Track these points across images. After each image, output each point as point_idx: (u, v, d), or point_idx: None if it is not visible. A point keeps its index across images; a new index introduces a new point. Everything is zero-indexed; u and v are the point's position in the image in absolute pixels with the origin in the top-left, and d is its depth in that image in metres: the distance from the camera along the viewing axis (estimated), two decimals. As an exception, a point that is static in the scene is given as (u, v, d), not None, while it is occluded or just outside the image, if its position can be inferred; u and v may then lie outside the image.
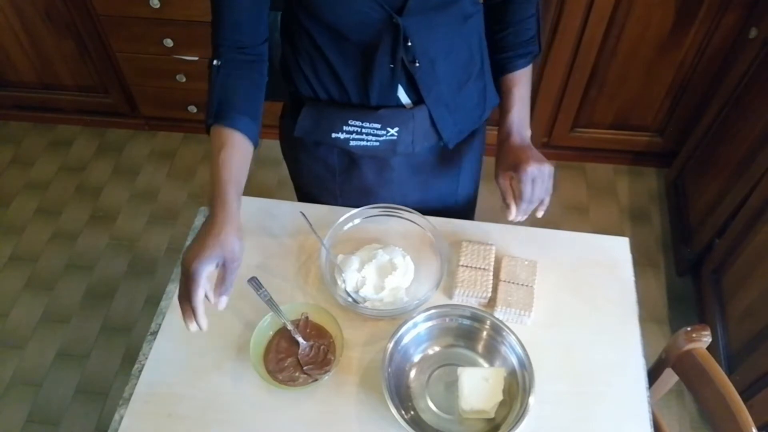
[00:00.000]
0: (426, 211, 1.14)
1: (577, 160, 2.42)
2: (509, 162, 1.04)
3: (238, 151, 0.94)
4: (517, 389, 0.95)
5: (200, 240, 0.87)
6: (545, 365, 0.98)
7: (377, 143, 1.07)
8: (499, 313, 1.04)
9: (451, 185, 1.23)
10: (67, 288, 2.13)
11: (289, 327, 1.01)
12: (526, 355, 0.95)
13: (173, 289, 1.08)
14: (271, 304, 1.01)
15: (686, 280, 2.07)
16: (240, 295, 1.06)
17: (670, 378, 1.09)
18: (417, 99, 1.04)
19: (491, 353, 1.00)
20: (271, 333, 1.02)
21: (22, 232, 2.28)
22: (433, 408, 0.96)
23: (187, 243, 1.14)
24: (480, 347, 1.02)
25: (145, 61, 2.23)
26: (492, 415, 0.94)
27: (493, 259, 1.09)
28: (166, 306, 1.06)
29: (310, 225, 1.11)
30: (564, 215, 2.29)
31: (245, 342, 1.00)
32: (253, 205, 1.20)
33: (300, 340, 1.00)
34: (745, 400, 0.96)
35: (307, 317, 1.03)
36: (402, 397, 0.95)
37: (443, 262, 1.07)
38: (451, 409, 0.96)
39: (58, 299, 2.10)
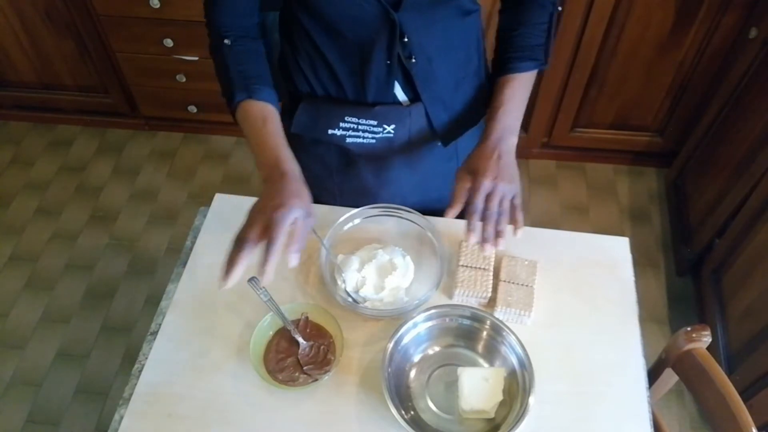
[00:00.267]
0: (426, 211, 1.14)
1: (577, 160, 2.42)
2: (471, 165, 0.96)
3: (278, 122, 0.97)
4: (517, 389, 0.95)
5: (278, 193, 0.86)
6: (545, 365, 0.98)
7: (373, 140, 1.07)
8: (499, 313, 1.04)
9: (449, 185, 1.23)
10: (67, 288, 2.13)
11: (289, 327, 1.01)
12: (526, 355, 0.95)
13: (173, 289, 1.08)
14: (271, 304, 1.01)
15: (686, 280, 2.07)
16: (240, 295, 1.06)
17: (670, 378, 1.09)
18: (414, 96, 1.04)
19: (491, 353, 1.00)
20: (271, 333, 1.02)
21: (22, 232, 2.28)
22: (433, 408, 0.96)
23: (187, 243, 1.14)
24: (480, 347, 1.02)
25: (145, 61, 2.23)
26: (492, 415, 0.94)
27: (493, 259, 1.09)
28: (166, 306, 1.06)
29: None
30: (564, 215, 2.29)
31: (245, 342, 1.00)
32: (253, 205, 1.20)
33: (300, 340, 1.00)
34: (745, 400, 0.96)
35: (307, 317, 1.03)
36: (402, 397, 0.95)
37: (443, 262, 1.07)
38: (451, 409, 0.96)
39: (58, 299, 2.10)
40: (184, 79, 2.26)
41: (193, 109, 2.38)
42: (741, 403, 0.95)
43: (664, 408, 1.82)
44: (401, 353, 0.99)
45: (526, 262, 1.09)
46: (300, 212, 0.86)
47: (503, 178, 0.93)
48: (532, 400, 0.91)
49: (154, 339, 1.03)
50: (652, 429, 0.95)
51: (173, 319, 1.05)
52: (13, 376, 1.93)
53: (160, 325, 1.04)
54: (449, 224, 1.16)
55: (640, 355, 1.01)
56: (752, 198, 1.66)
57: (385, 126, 1.05)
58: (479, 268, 1.08)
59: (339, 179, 1.19)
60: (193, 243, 1.14)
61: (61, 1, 2.11)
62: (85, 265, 2.19)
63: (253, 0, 0.99)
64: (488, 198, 0.92)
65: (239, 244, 0.85)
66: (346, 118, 1.05)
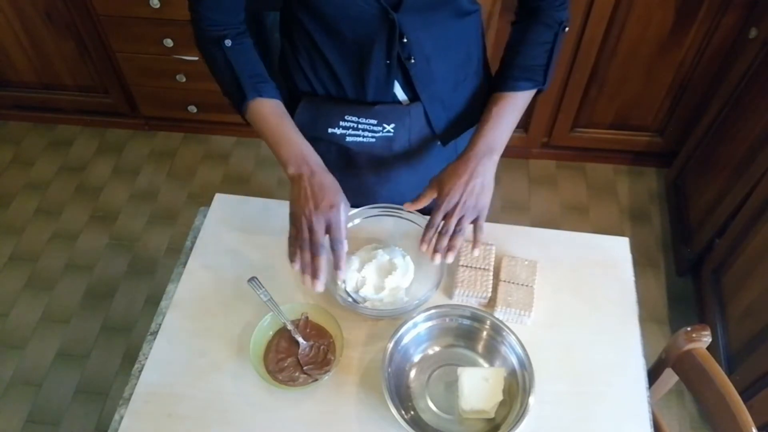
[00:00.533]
0: (425, 210, 1.14)
1: (577, 160, 2.42)
2: (443, 180, 0.97)
3: (290, 119, 1.01)
4: (517, 389, 0.95)
5: (322, 190, 0.93)
6: (545, 365, 0.98)
7: (373, 139, 1.07)
8: (499, 313, 1.04)
9: None
10: (67, 288, 2.13)
11: (289, 327, 1.01)
12: (526, 355, 0.95)
13: (173, 289, 1.08)
14: (272, 304, 1.01)
15: (686, 280, 2.07)
16: (240, 295, 1.06)
17: (670, 378, 1.09)
18: (413, 96, 1.05)
19: (491, 353, 1.00)
20: (271, 333, 1.02)
21: (22, 232, 2.28)
22: (433, 408, 0.96)
23: (187, 243, 1.14)
24: (480, 347, 1.02)
25: (145, 61, 2.23)
26: (492, 415, 0.94)
27: (493, 259, 1.09)
28: (166, 306, 1.07)
29: (310, 225, 1.10)
30: (564, 215, 2.29)
31: (245, 342, 1.00)
32: (253, 205, 1.20)
33: (300, 340, 1.00)
34: (745, 400, 0.96)
35: (307, 317, 1.03)
36: (402, 397, 0.95)
37: (443, 262, 1.07)
38: (451, 409, 0.96)
39: (58, 299, 2.10)
40: (184, 79, 2.25)
41: (193, 109, 2.38)
42: (741, 403, 0.95)
43: (664, 408, 1.82)
44: (401, 353, 0.99)
45: (526, 262, 1.09)
46: (347, 207, 0.94)
47: (468, 201, 0.96)
48: (532, 400, 0.91)
49: (154, 339, 1.03)
50: (652, 429, 0.95)
51: (173, 319, 1.05)
52: (13, 376, 1.93)
53: (160, 325, 1.04)
54: (449, 224, 1.16)
55: (640, 355, 1.01)
56: (752, 198, 1.66)
57: (385, 125, 1.05)
58: (479, 268, 1.08)
59: (339, 177, 1.18)
60: (193, 243, 1.15)
61: (61, 1, 2.11)
62: (85, 265, 2.19)
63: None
64: (447, 216, 0.97)
65: (315, 248, 0.92)
66: (346, 117, 1.05)
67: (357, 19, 0.94)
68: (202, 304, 1.07)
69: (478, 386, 0.94)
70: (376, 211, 1.14)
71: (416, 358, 1.01)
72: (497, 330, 0.99)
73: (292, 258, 0.94)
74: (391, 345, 0.96)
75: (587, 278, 1.10)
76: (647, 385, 0.99)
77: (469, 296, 1.06)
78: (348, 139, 1.07)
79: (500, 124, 1.01)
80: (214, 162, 2.48)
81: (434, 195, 0.99)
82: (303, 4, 0.97)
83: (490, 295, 1.05)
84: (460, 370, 0.96)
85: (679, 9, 1.87)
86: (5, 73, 2.42)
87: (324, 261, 0.92)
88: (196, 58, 2.18)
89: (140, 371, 0.99)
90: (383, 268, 1.07)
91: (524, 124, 2.28)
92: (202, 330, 1.04)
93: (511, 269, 1.08)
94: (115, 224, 2.30)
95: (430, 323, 1.01)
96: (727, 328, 1.74)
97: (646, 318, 1.95)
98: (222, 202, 1.21)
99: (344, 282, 1.06)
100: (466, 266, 1.08)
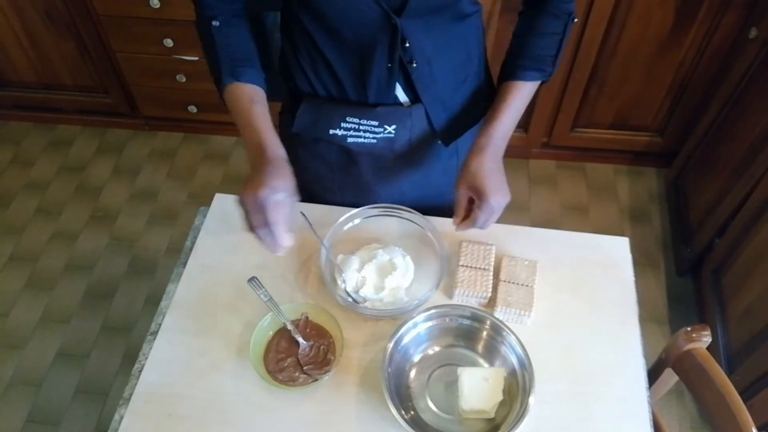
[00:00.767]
0: (426, 206, 1.14)
1: (577, 160, 2.42)
2: (476, 181, 0.98)
3: (265, 105, 1.00)
4: (517, 389, 0.95)
5: (260, 174, 0.89)
6: (545, 365, 0.98)
7: (374, 140, 1.07)
8: (499, 313, 1.04)
9: (450, 182, 1.23)
10: (67, 288, 2.13)
11: (289, 327, 1.01)
12: (526, 355, 0.95)
13: (173, 289, 1.08)
14: (272, 304, 1.01)
15: (686, 280, 2.07)
16: (240, 295, 1.06)
17: (670, 378, 1.09)
18: (415, 97, 1.04)
19: (491, 353, 1.00)
20: (271, 333, 1.02)
21: (22, 232, 2.28)
22: (433, 408, 0.96)
23: (187, 243, 1.15)
24: (480, 347, 1.02)
25: (145, 61, 2.23)
26: (492, 415, 0.94)
27: (493, 259, 1.09)
28: (166, 306, 1.06)
29: (310, 225, 1.10)
30: (564, 215, 2.29)
31: (245, 342, 1.00)
32: (253, 205, 1.20)
33: (300, 340, 1.00)
34: (745, 400, 0.96)
35: (307, 317, 1.03)
36: (402, 397, 0.95)
37: (443, 262, 1.07)
38: (451, 409, 0.96)
39: (58, 299, 2.10)
40: (184, 79, 2.26)
41: (193, 109, 2.39)
42: (741, 403, 0.95)
43: (664, 408, 1.82)
44: (401, 353, 0.98)
45: (526, 262, 1.09)
46: (282, 193, 0.88)
47: (505, 193, 0.98)
48: (532, 400, 0.91)
49: (154, 339, 1.03)
50: (652, 429, 0.95)
51: (173, 319, 1.05)
52: (13, 376, 1.93)
53: (160, 325, 1.04)
54: (449, 224, 1.16)
55: (640, 355, 1.01)
56: (752, 198, 1.66)
57: (386, 126, 1.05)
58: (479, 268, 1.08)
59: (340, 176, 1.19)
60: (193, 243, 1.14)
61: (61, 1, 2.11)
62: (85, 265, 2.19)
63: None
64: (490, 213, 0.98)
65: (255, 233, 0.89)
66: (347, 119, 1.05)
67: (359, 23, 0.94)
68: (202, 304, 1.07)
69: (478, 386, 0.94)
70: (376, 211, 1.14)
71: (416, 358, 1.01)
72: (497, 330, 0.99)
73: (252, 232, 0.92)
74: (391, 345, 0.96)
75: (587, 278, 1.10)
76: (647, 385, 0.99)
77: (469, 296, 1.06)
78: (349, 140, 1.07)
79: (512, 114, 1.03)
80: (214, 162, 2.48)
81: (470, 197, 0.99)
82: (303, 5, 0.97)
83: (490, 295, 1.05)
84: (460, 370, 0.96)
85: (679, 9, 1.87)
86: (5, 73, 2.42)
87: (270, 242, 0.89)
88: (196, 58, 2.18)
89: (140, 371, 0.99)
90: (383, 268, 1.07)
91: (524, 124, 2.28)
92: (202, 330, 1.04)
93: (511, 269, 1.08)
94: (115, 224, 2.30)
95: (430, 323, 1.01)
96: (727, 328, 1.74)
97: (646, 318, 1.95)
98: (222, 202, 1.21)
99: (344, 282, 1.06)
100: (466, 266, 1.08)
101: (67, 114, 2.58)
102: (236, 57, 1.00)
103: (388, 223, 1.14)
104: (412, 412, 0.95)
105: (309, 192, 1.26)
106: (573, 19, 1.03)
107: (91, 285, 2.13)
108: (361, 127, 1.06)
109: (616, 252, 1.14)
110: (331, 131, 1.07)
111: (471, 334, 1.02)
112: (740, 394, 0.96)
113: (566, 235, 1.16)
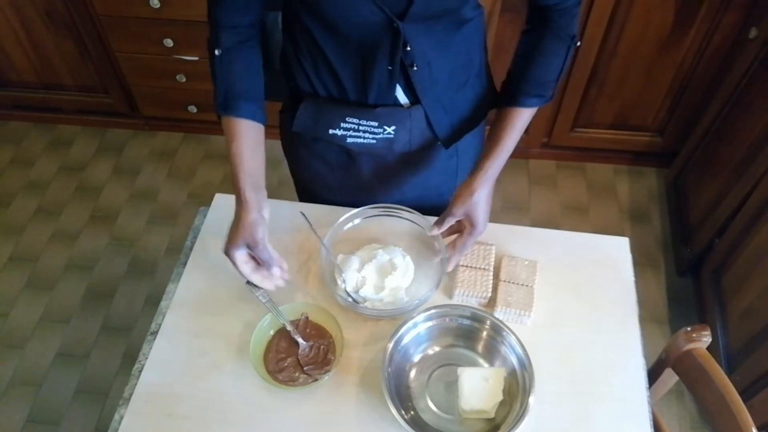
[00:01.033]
0: (425, 206, 1.14)
1: (577, 160, 2.42)
2: (475, 212, 1.03)
3: (247, 139, 1.00)
4: (517, 389, 0.95)
5: (230, 231, 0.99)
6: (545, 365, 0.98)
7: (374, 141, 1.07)
8: (499, 313, 1.04)
9: (449, 182, 1.23)
10: (67, 288, 2.13)
11: (289, 327, 1.01)
12: (526, 355, 0.95)
13: (173, 289, 1.09)
14: (270, 305, 1.01)
15: (686, 280, 2.07)
16: (240, 295, 1.06)
17: (670, 378, 1.09)
18: (415, 99, 1.04)
19: (491, 353, 1.00)
20: (271, 333, 1.02)
21: (22, 232, 2.28)
22: (433, 408, 0.96)
23: (187, 243, 1.15)
24: (480, 347, 1.02)
25: (145, 61, 2.23)
26: (492, 415, 0.94)
27: (493, 259, 1.09)
28: (166, 306, 1.07)
29: (310, 225, 1.11)
30: (564, 215, 2.29)
31: (245, 342, 1.00)
32: (253, 205, 1.20)
33: (300, 340, 1.00)
34: (745, 400, 0.96)
35: (306, 317, 1.03)
36: (402, 397, 0.95)
37: (443, 262, 1.07)
38: (451, 409, 0.96)
39: (58, 299, 2.10)
40: (184, 79, 2.25)
41: (193, 109, 2.38)
42: (741, 403, 0.95)
43: (664, 408, 1.82)
44: (401, 353, 0.99)
45: (526, 262, 1.09)
46: (244, 245, 0.97)
47: (486, 222, 1.05)
48: (532, 400, 0.91)
49: (154, 339, 1.03)
50: (652, 429, 0.95)
51: (173, 319, 1.05)
52: (13, 376, 1.93)
53: (160, 325, 1.04)
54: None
55: (640, 355, 1.01)
56: (752, 198, 1.66)
57: (386, 127, 1.05)
58: (479, 268, 1.08)
59: (340, 176, 1.19)
60: (193, 243, 1.15)
61: (61, 1, 2.11)
62: (85, 265, 2.19)
63: None
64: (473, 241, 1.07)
65: (250, 285, 1.01)
66: (347, 119, 1.05)
67: (360, 25, 0.94)
68: (202, 304, 1.07)
69: (478, 386, 0.94)
70: (376, 211, 1.14)
71: (416, 358, 1.01)
72: (497, 330, 0.99)
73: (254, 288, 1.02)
74: (391, 345, 0.96)
75: (587, 278, 1.10)
76: (647, 385, 0.99)
77: (469, 296, 1.06)
78: (349, 140, 1.07)
79: (510, 142, 1.05)
80: (214, 162, 2.48)
81: (457, 221, 1.06)
82: (305, 6, 0.96)
83: (490, 295, 1.05)
84: (460, 370, 0.96)
85: (679, 9, 1.87)
86: (5, 73, 2.42)
87: (260, 279, 1.00)
88: (196, 58, 2.18)
89: (140, 371, 0.99)
90: (383, 268, 1.07)
91: (524, 124, 2.27)
92: (202, 330, 1.04)
93: (511, 269, 1.08)
94: (115, 224, 2.30)
95: (430, 323, 1.01)
96: (727, 328, 1.74)
97: (646, 318, 1.95)
98: (222, 202, 1.21)
99: (344, 282, 1.06)
100: (466, 266, 1.08)
101: (67, 114, 2.58)
102: (231, 89, 1.00)
103: (388, 223, 1.14)
104: (412, 412, 0.95)
105: (309, 191, 1.27)
106: (576, 43, 1.04)
107: (91, 285, 2.13)
108: (360, 128, 1.06)
109: (616, 252, 1.14)
110: (331, 131, 1.07)
111: (471, 334, 1.02)
112: (740, 394, 0.96)
113: (566, 235, 1.16)
